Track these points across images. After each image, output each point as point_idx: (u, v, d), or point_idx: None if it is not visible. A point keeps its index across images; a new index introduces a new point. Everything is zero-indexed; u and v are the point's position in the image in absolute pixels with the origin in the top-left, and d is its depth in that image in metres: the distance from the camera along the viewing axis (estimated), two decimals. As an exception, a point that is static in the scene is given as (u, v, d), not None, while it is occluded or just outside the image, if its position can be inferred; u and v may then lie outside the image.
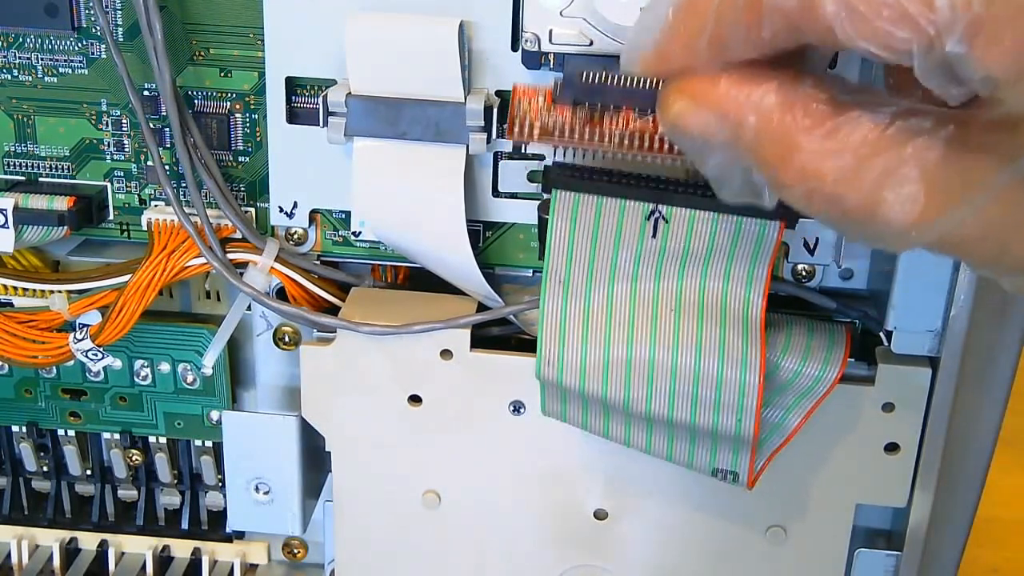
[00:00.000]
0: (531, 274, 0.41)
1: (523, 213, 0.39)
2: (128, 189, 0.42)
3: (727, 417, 0.35)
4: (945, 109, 0.23)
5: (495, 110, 0.37)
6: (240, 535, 0.48)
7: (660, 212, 0.34)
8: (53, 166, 0.42)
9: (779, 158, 0.24)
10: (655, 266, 0.34)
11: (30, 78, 0.41)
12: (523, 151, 0.38)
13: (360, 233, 0.41)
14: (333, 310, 0.40)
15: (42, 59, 0.40)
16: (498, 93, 0.38)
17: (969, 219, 0.23)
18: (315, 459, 0.44)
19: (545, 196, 0.35)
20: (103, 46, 0.40)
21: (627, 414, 0.36)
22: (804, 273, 0.39)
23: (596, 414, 0.37)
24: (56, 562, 0.48)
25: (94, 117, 0.41)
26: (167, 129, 0.40)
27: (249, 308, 0.43)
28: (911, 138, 0.23)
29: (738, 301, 0.34)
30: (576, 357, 0.35)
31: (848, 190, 0.23)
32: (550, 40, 0.35)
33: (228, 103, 0.40)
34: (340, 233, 0.41)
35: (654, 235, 0.34)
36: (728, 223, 0.34)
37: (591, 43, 0.35)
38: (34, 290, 0.42)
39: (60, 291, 0.42)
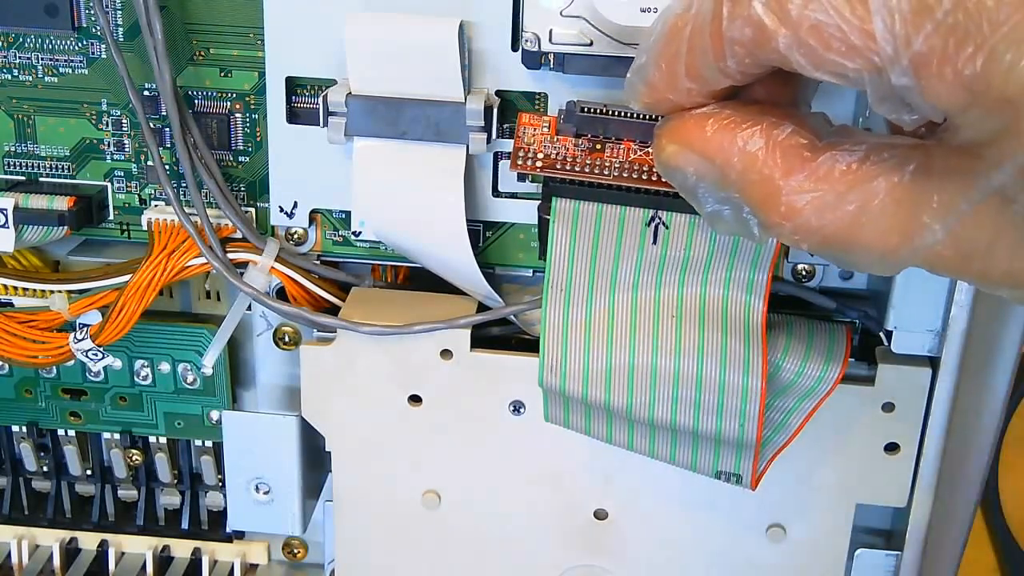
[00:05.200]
0: (531, 274, 0.41)
1: (523, 213, 0.39)
2: (128, 189, 0.42)
3: (730, 422, 0.35)
4: (916, 141, 0.24)
5: (495, 110, 0.37)
6: (240, 535, 0.48)
7: (660, 218, 0.34)
8: (53, 166, 0.42)
9: (765, 198, 0.25)
10: (656, 273, 0.34)
11: (30, 78, 0.41)
12: (527, 180, 0.38)
13: (360, 233, 0.41)
14: (333, 310, 0.40)
15: (42, 59, 0.40)
16: (498, 93, 0.38)
17: (944, 241, 0.24)
18: (315, 459, 0.44)
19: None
20: (103, 46, 0.40)
21: (630, 420, 0.36)
22: (804, 273, 0.39)
23: (599, 420, 0.37)
24: (56, 562, 0.48)
25: (94, 117, 0.41)
26: (167, 129, 0.40)
27: (249, 308, 0.43)
28: (881, 172, 0.24)
29: (739, 307, 0.34)
30: (579, 365, 0.35)
31: (829, 225, 0.25)
32: (550, 40, 0.35)
33: (228, 103, 0.40)
34: (340, 233, 0.41)
35: (655, 241, 0.34)
36: None
37: (591, 43, 0.35)
38: (34, 290, 0.42)
39: (60, 291, 0.42)
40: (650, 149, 0.32)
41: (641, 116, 0.33)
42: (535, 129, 0.34)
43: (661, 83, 0.26)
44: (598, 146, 0.33)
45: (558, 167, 0.33)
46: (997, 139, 0.22)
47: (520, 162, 0.34)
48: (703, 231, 0.34)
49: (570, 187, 0.34)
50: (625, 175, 0.33)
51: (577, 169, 0.33)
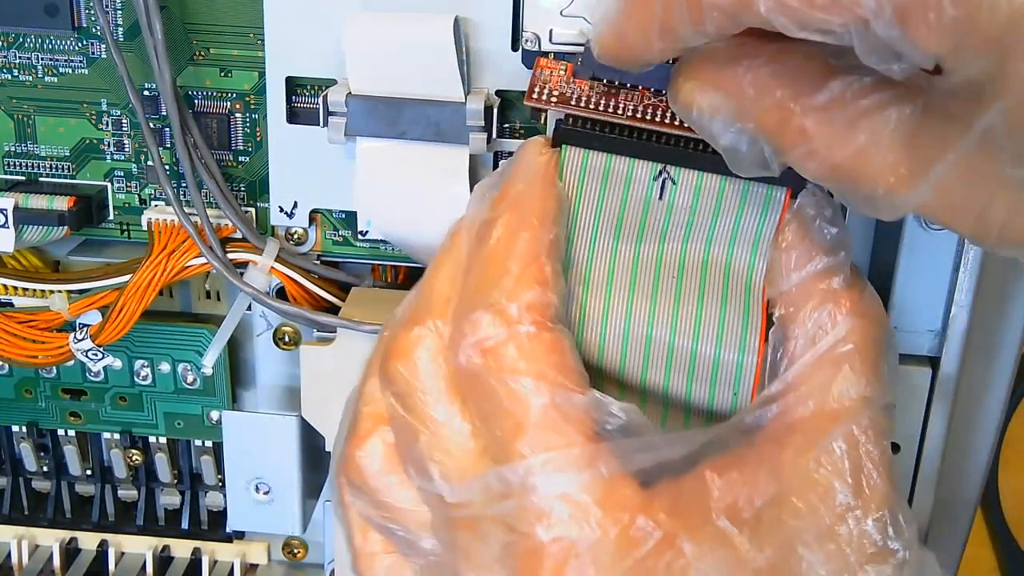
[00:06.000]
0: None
1: (523, 213, 0.39)
2: (128, 189, 0.42)
3: (723, 391, 0.34)
4: (924, 73, 0.24)
5: (495, 110, 0.37)
6: (240, 535, 0.48)
7: (668, 173, 0.34)
8: (53, 166, 0.42)
9: (778, 124, 0.25)
10: (660, 229, 0.34)
11: (30, 78, 0.41)
12: (542, 120, 0.38)
13: (367, 232, 0.41)
14: (333, 310, 0.40)
15: (42, 59, 0.40)
16: (498, 93, 0.38)
17: (939, 188, 0.24)
18: (315, 459, 0.44)
19: None
20: (103, 46, 0.40)
21: (621, 385, 0.35)
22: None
23: (592, 382, 0.36)
24: (56, 562, 0.48)
25: (94, 117, 0.41)
26: (167, 129, 0.40)
27: (249, 308, 0.43)
28: (894, 103, 0.24)
29: (743, 265, 0.34)
30: (573, 321, 0.35)
31: (840, 152, 0.25)
32: (550, 40, 0.35)
33: (228, 103, 0.40)
34: (340, 233, 0.41)
35: (660, 196, 0.34)
36: (736, 186, 0.33)
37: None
38: (34, 290, 0.42)
39: (60, 291, 0.42)
40: (665, 97, 0.32)
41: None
42: (552, 71, 0.34)
43: (633, 40, 0.27)
44: (613, 90, 0.33)
45: (572, 103, 0.33)
46: (984, 82, 0.22)
47: (535, 96, 0.34)
48: (711, 189, 0.34)
49: (581, 133, 0.33)
50: (639, 116, 0.33)
51: (591, 107, 0.33)
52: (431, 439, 0.29)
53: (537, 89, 0.34)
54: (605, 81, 0.33)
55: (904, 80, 0.24)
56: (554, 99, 0.33)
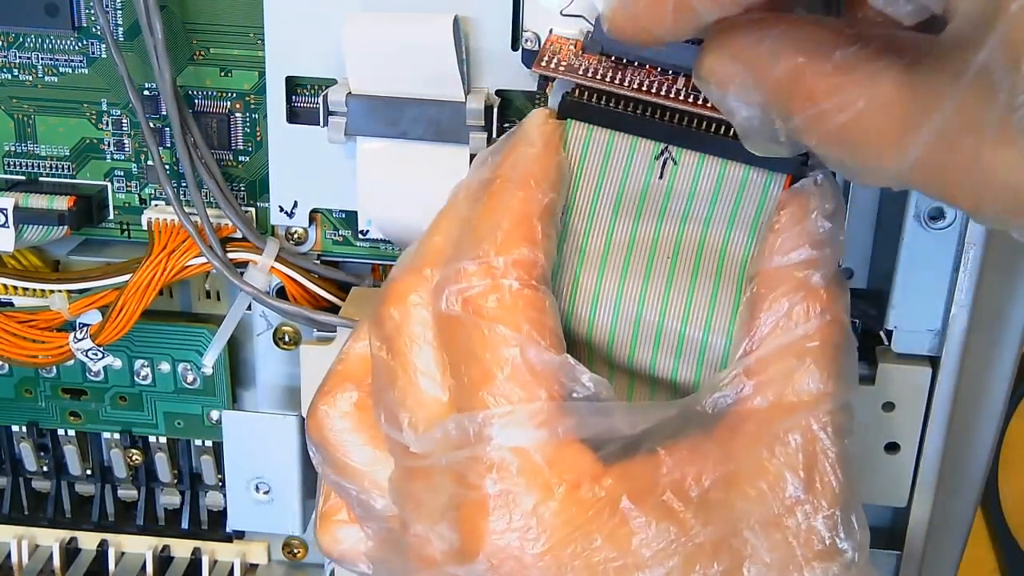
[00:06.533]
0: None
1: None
2: (128, 189, 0.42)
3: (710, 376, 0.34)
4: (917, 35, 0.24)
5: (495, 110, 0.37)
6: (240, 535, 0.48)
7: (670, 153, 0.34)
8: (53, 166, 0.42)
9: (789, 87, 0.26)
10: (658, 209, 0.34)
11: (30, 78, 0.41)
12: (545, 90, 0.38)
13: (367, 232, 0.41)
14: (333, 310, 0.40)
15: (42, 59, 0.40)
16: (498, 92, 0.38)
17: (941, 136, 0.23)
18: (315, 459, 0.44)
19: None
20: (103, 46, 0.40)
21: (610, 362, 0.35)
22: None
23: (579, 357, 0.36)
24: (56, 562, 0.48)
25: (94, 117, 0.41)
26: (167, 129, 0.40)
27: (249, 308, 0.43)
28: (899, 66, 0.24)
29: (739, 248, 0.34)
30: (566, 295, 0.35)
31: (845, 115, 0.25)
32: (550, 39, 0.35)
33: (228, 103, 0.40)
34: (340, 233, 0.41)
35: (661, 176, 0.34)
36: (736, 170, 0.33)
37: (591, 43, 0.35)
38: (34, 290, 0.42)
39: (60, 291, 0.42)
40: (672, 74, 0.33)
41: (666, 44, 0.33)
42: (562, 46, 0.34)
43: (644, 18, 0.27)
44: (621, 65, 0.33)
45: (579, 73, 0.33)
46: (984, 18, 0.21)
47: (544, 63, 0.34)
48: (711, 171, 0.34)
49: (586, 107, 0.33)
50: (644, 88, 0.33)
51: (598, 78, 0.33)
52: (407, 386, 0.29)
53: (546, 58, 0.34)
54: (615, 57, 0.33)
55: (912, 38, 0.24)
56: (562, 68, 0.33)
